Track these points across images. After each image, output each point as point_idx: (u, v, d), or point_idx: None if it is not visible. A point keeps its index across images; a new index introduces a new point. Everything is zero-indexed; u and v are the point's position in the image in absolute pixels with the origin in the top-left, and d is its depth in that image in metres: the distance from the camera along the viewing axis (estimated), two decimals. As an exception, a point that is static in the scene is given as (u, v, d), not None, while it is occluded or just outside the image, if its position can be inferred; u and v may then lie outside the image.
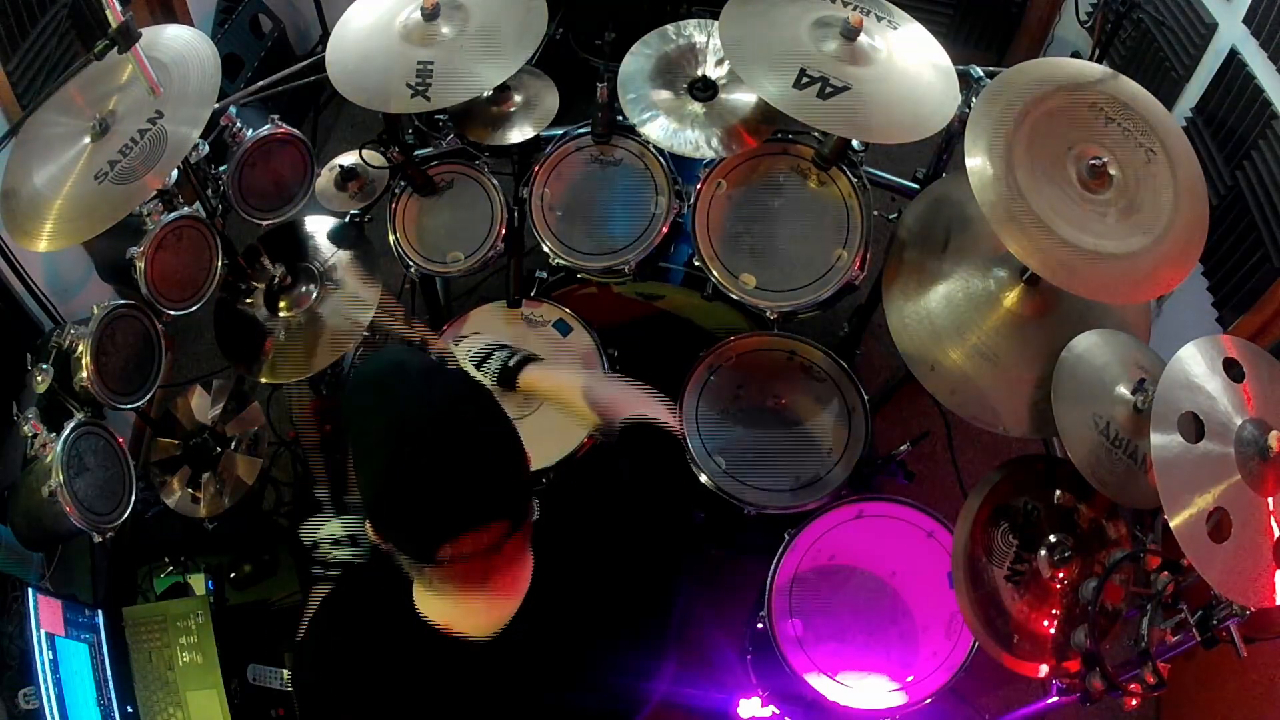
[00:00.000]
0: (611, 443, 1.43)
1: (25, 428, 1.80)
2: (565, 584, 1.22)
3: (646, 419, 1.43)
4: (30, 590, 1.84)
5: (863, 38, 2.00)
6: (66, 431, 1.81)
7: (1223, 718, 2.32)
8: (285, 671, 2.12)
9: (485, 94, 2.30)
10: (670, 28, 2.31)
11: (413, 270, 2.31)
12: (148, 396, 2.03)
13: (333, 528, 1.68)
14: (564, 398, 1.60)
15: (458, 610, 1.16)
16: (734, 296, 2.20)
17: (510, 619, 1.17)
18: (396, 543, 1.11)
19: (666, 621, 1.32)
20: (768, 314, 2.21)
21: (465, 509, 1.06)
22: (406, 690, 1.21)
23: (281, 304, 2.26)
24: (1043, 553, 1.90)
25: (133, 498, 1.93)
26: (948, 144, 2.21)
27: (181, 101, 1.87)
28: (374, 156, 2.31)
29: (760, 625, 2.08)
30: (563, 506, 1.33)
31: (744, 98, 2.22)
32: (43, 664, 1.78)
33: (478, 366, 1.66)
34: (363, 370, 1.29)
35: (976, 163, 1.76)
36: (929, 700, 1.97)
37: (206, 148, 2.01)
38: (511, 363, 1.63)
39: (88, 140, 1.88)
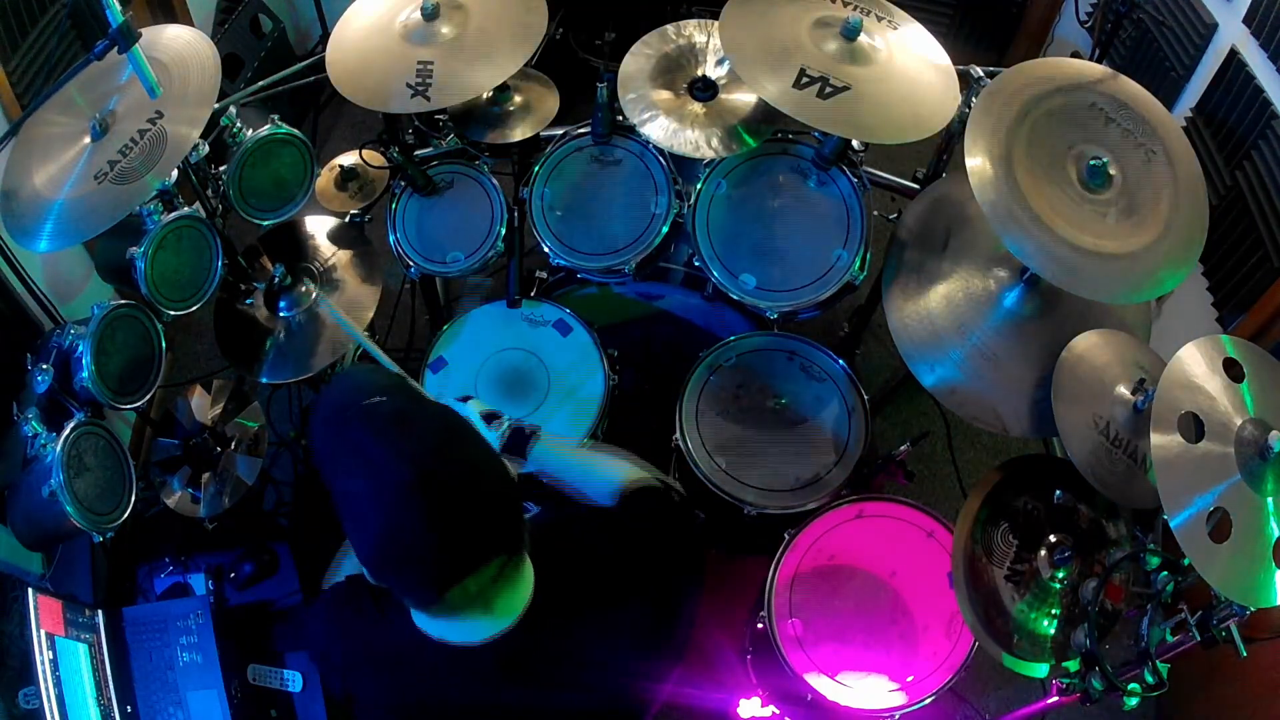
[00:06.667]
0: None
1: (25, 428, 1.80)
2: (569, 585, 1.22)
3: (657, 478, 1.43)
4: (30, 590, 1.83)
5: (863, 38, 2.00)
6: (66, 431, 1.80)
7: (1223, 718, 2.32)
8: (285, 672, 2.12)
9: (485, 94, 2.30)
10: (670, 28, 2.31)
11: (413, 270, 2.31)
12: (148, 396, 2.03)
13: None
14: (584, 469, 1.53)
15: (456, 629, 1.16)
16: (734, 296, 2.20)
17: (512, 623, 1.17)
18: (398, 594, 1.11)
19: (674, 623, 1.31)
20: (768, 314, 2.21)
21: (463, 559, 1.05)
22: (406, 690, 1.21)
23: (282, 304, 2.26)
24: (1043, 553, 1.90)
25: (133, 498, 1.93)
26: (948, 144, 2.21)
27: (181, 101, 1.87)
28: (374, 156, 2.31)
29: (760, 625, 2.08)
30: (565, 507, 1.32)
31: (744, 98, 2.22)
32: (43, 664, 1.77)
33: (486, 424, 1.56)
34: (328, 413, 1.16)
35: (976, 163, 1.76)
36: (929, 700, 1.97)
37: (206, 148, 2.01)
38: (526, 430, 1.53)
39: (88, 140, 1.88)
